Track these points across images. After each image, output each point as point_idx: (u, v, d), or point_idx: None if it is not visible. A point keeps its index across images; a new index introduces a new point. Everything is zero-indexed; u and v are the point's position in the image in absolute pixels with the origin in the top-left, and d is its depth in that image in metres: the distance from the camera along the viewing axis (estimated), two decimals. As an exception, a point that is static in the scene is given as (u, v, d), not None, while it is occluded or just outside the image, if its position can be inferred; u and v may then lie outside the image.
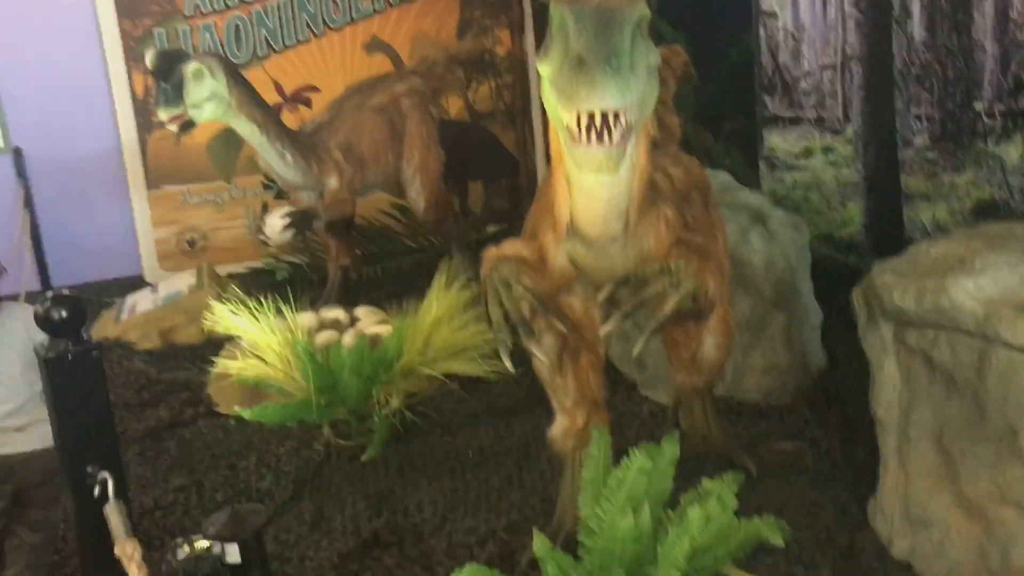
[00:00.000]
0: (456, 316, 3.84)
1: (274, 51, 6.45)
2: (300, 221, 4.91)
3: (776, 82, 4.78)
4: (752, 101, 4.94)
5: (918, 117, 3.92)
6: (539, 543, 2.28)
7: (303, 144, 4.91)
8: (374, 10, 6.71)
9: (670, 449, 2.38)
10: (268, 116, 4.77)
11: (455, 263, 4.61)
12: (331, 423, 3.85)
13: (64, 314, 1.78)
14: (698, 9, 5.18)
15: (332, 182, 5.04)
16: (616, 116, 1.97)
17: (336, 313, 4.58)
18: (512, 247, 2.62)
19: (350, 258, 5.52)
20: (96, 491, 1.76)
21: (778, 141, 4.85)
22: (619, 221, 2.43)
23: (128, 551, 1.74)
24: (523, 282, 2.48)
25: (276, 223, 4.88)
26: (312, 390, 3.63)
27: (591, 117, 1.97)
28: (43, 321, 1.79)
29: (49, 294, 1.84)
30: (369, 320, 4.16)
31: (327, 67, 6.67)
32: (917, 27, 3.83)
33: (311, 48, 6.54)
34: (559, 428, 2.98)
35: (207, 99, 4.47)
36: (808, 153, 4.66)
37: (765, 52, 4.81)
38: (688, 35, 4.84)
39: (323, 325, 4.13)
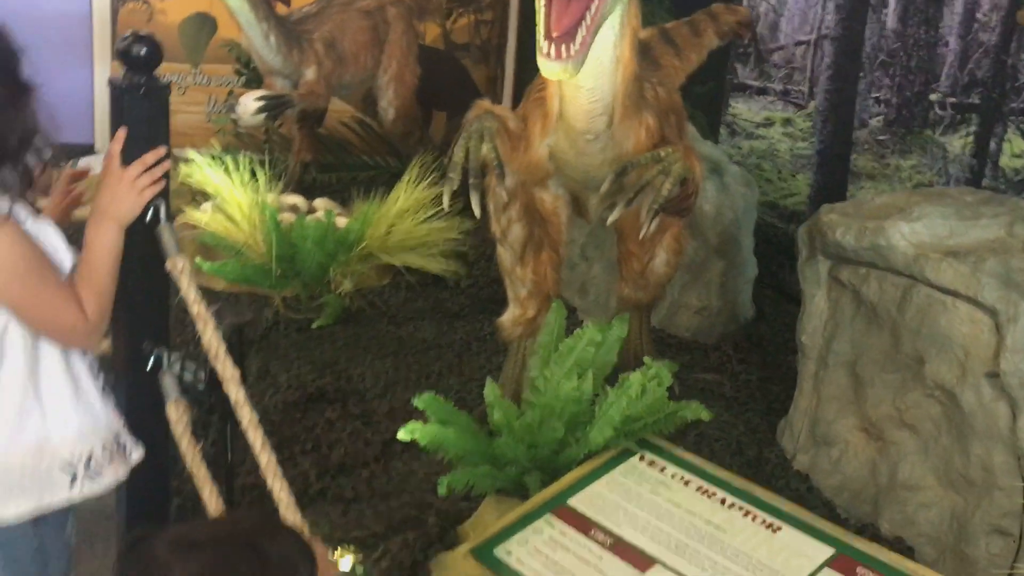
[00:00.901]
0: (421, 211, 3.99)
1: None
2: (274, 105, 4.97)
3: (750, 52, 5.01)
4: (724, 67, 5.17)
5: (877, 100, 4.20)
6: (489, 390, 2.48)
7: (288, 30, 4.97)
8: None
9: (619, 328, 2.59)
10: (258, -10, 4.81)
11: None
12: (282, 297, 3.97)
13: (143, 51, 1.89)
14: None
15: (310, 73, 5.10)
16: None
17: (296, 199, 4.69)
18: (502, 110, 2.78)
19: (312, 154, 5.60)
20: (148, 216, 1.90)
21: (742, 108, 5.09)
22: (604, 116, 2.60)
23: (179, 265, 1.89)
24: (496, 143, 2.62)
25: (250, 104, 4.92)
26: (272, 256, 3.76)
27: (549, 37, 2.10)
28: (122, 55, 1.89)
29: (129, 32, 1.94)
30: (327, 209, 4.29)
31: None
32: (891, 15, 4.09)
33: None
34: (509, 316, 3.16)
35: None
36: (768, 123, 4.91)
37: (745, 22, 5.03)
38: (675, 7, 5.04)
39: (282, 209, 4.25)
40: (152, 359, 2.02)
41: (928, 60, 3.92)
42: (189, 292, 1.89)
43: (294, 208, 4.56)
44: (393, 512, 2.59)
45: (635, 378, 2.43)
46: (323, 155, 6.04)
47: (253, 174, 3.88)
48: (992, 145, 3.69)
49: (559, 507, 2.24)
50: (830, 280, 2.90)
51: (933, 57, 3.90)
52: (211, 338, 1.87)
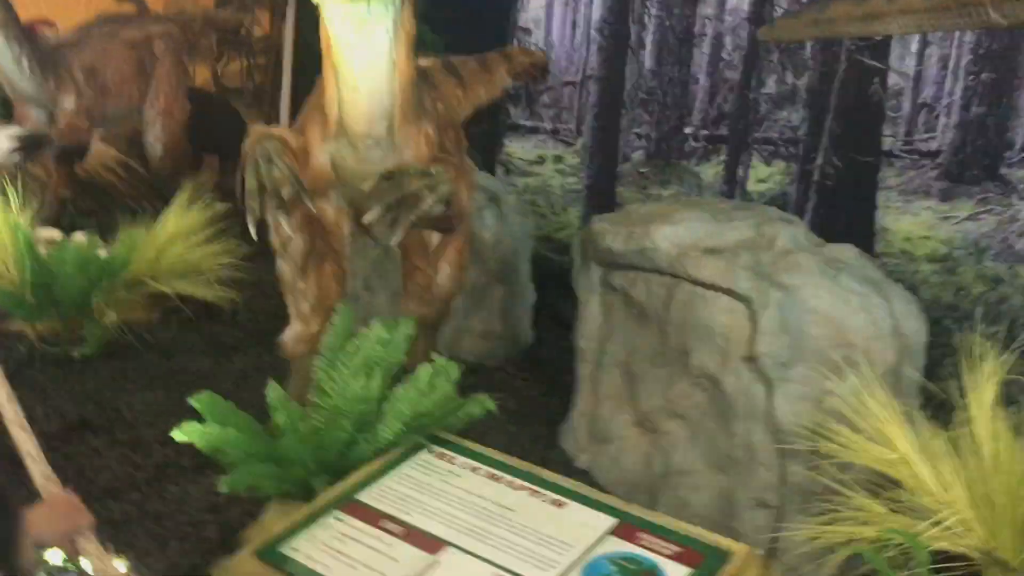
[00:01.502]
0: (192, 236, 3.84)
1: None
2: (29, 145, 4.65)
3: (522, 93, 5.24)
4: (497, 108, 5.38)
5: (638, 135, 4.50)
6: (272, 392, 2.40)
7: (43, 55, 4.69)
8: (131, -35, 6.48)
9: (406, 326, 2.59)
10: (9, 15, 4.52)
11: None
12: (37, 329, 3.68)
13: None
14: (459, 19, 5.58)
15: (68, 102, 4.83)
16: None
17: (52, 233, 4.40)
18: (279, 130, 2.76)
19: (70, 191, 5.26)
20: None
21: (516, 148, 5.30)
22: (383, 121, 2.64)
23: None
24: (285, 161, 2.62)
25: (2, 143, 4.59)
26: (27, 282, 3.48)
27: None
28: None
29: None
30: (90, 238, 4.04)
31: (67, 5, 6.33)
32: (648, 56, 4.43)
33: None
34: (292, 333, 3.09)
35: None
36: (541, 160, 5.14)
37: (516, 66, 5.27)
38: (448, 42, 5.21)
39: (37, 242, 3.96)
40: None
41: (682, 96, 4.27)
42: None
43: (50, 242, 4.25)
44: (168, 531, 2.44)
45: (423, 372, 2.44)
46: (83, 199, 5.69)
47: (3, 194, 3.59)
48: (740, 172, 4.06)
49: (347, 503, 2.19)
50: (603, 286, 3.06)
51: (686, 93, 4.25)
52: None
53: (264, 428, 2.36)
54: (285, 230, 2.63)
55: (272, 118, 7.17)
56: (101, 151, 5.66)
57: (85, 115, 4.90)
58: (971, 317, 3.25)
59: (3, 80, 4.87)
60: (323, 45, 2.59)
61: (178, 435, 2.20)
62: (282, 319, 3.14)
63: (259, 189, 2.60)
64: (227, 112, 7.08)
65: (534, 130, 5.18)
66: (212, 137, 6.89)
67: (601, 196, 4.71)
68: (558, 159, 5.03)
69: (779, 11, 3.86)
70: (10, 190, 3.62)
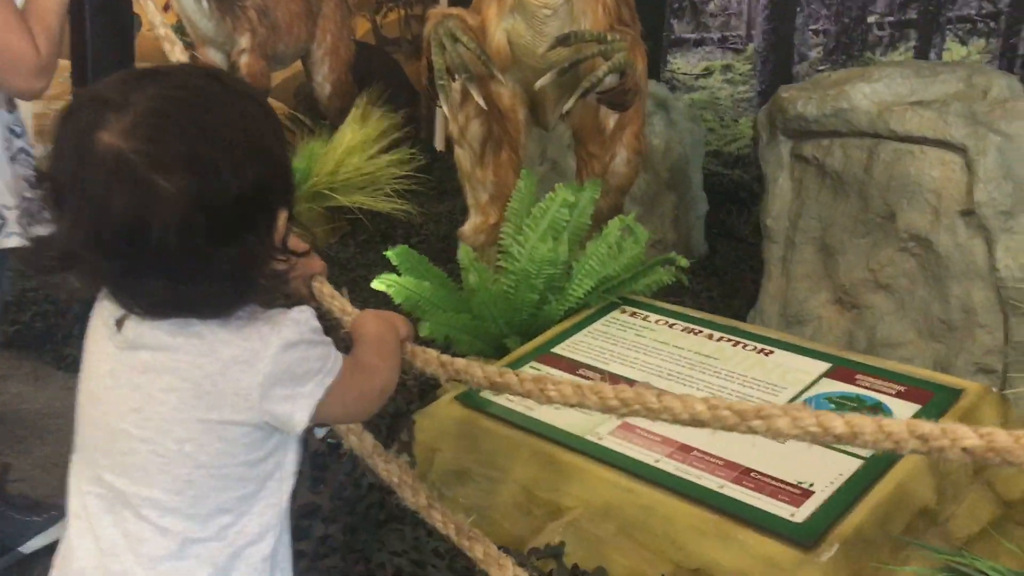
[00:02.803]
0: (369, 147, 3.89)
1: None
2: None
3: (685, 5, 5.07)
4: (660, 25, 5.23)
5: (815, 32, 4.26)
6: (463, 252, 2.38)
7: (221, -5, 4.85)
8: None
9: (592, 189, 2.53)
10: (192, -45, 4.71)
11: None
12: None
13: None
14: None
15: (244, 40, 4.99)
16: None
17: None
18: (458, 10, 2.73)
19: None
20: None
21: (681, 63, 5.14)
22: None
23: None
24: (467, 38, 2.59)
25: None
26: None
27: None
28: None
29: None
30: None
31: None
32: (824, -54, 4.18)
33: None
34: (471, 225, 3.07)
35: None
36: (708, 73, 4.96)
37: (678, -23, 5.11)
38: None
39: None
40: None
41: (863, -15, 4.01)
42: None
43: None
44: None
45: (613, 228, 2.36)
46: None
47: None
48: (932, 56, 3.78)
49: (543, 355, 2.14)
50: (792, 159, 2.89)
51: (867, -18, 3.99)
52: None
53: (458, 287, 2.34)
54: (479, 102, 2.60)
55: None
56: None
57: (260, 52, 5.05)
58: None
59: (186, 22, 5.09)
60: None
61: (376, 284, 2.21)
62: (461, 223, 3.14)
63: (446, 69, 2.59)
64: (387, 63, 7.21)
65: (700, 42, 5.00)
66: (374, 89, 7.06)
67: (775, 101, 4.49)
68: (727, 68, 4.84)
69: None
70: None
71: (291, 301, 1.22)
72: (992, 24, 3.52)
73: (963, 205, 2.39)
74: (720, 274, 4.11)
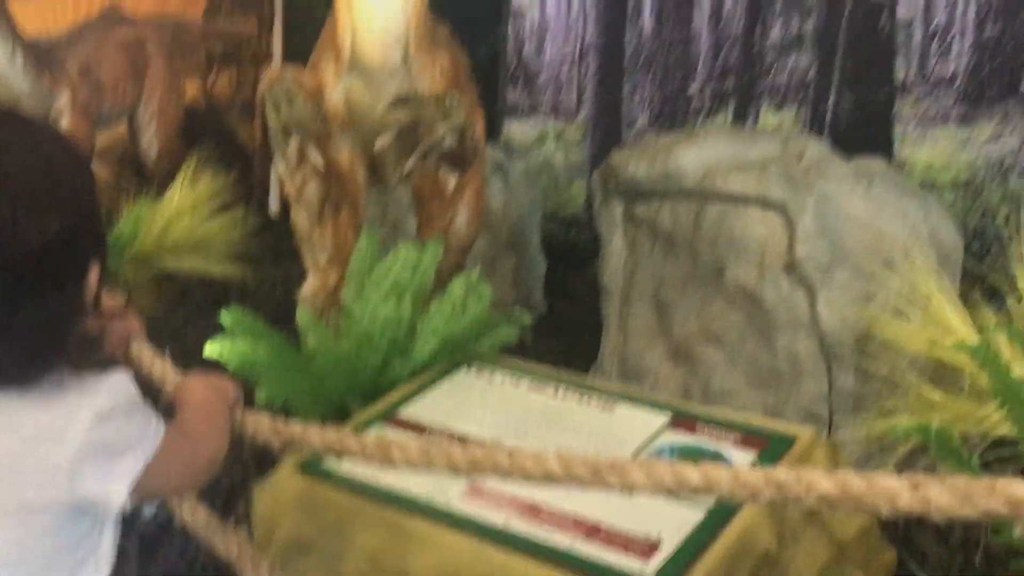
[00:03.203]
0: (199, 209, 3.76)
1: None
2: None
3: (519, 75, 5.21)
4: (496, 93, 5.34)
5: (641, 100, 4.46)
6: (302, 314, 2.31)
7: (37, 51, 4.63)
8: (117, -20, 6.44)
9: (435, 248, 2.51)
10: (1, 11, 4.47)
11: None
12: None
13: None
14: (456, 7, 5.56)
15: (64, 99, 4.76)
16: None
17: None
18: (293, 70, 2.69)
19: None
20: None
21: (516, 130, 5.25)
22: (398, 49, 2.57)
23: None
24: (302, 97, 2.56)
25: None
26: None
27: None
28: None
29: None
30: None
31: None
32: (647, 21, 4.40)
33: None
34: (310, 287, 2.99)
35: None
36: (542, 138, 5.10)
37: (511, 48, 5.25)
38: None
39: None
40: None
41: (684, 56, 4.24)
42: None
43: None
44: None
45: (457, 287, 2.35)
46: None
47: None
48: (749, 122, 4.01)
49: (389, 418, 2.09)
50: (626, 220, 2.99)
51: (688, 53, 4.22)
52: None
53: (296, 349, 2.26)
54: (317, 162, 2.55)
55: (263, 128, 7.10)
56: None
57: (83, 111, 4.82)
58: (998, 241, 3.20)
59: (-5, 78, 4.80)
60: (336, -27, 2.54)
61: (208, 350, 2.10)
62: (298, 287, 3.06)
63: (282, 129, 2.54)
64: (220, 126, 7.03)
65: (533, 110, 5.14)
66: (204, 152, 6.86)
67: (607, 166, 4.66)
68: (559, 135, 4.99)
69: (780, -41, 3.85)
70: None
71: (105, 365, 1.12)
72: (802, 94, 3.79)
73: (786, 260, 2.52)
74: (560, 332, 4.17)
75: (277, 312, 3.88)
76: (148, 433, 1.03)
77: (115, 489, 0.98)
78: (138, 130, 5.23)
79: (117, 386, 0.99)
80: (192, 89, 6.84)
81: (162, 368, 1.31)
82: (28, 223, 0.89)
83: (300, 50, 6.50)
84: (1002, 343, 2.12)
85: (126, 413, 1.00)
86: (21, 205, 0.89)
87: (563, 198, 4.97)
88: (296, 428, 1.29)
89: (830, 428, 2.49)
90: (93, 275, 0.98)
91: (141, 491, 1.01)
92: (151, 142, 5.23)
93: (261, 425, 1.27)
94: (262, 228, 4.05)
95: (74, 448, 0.95)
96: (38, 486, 0.94)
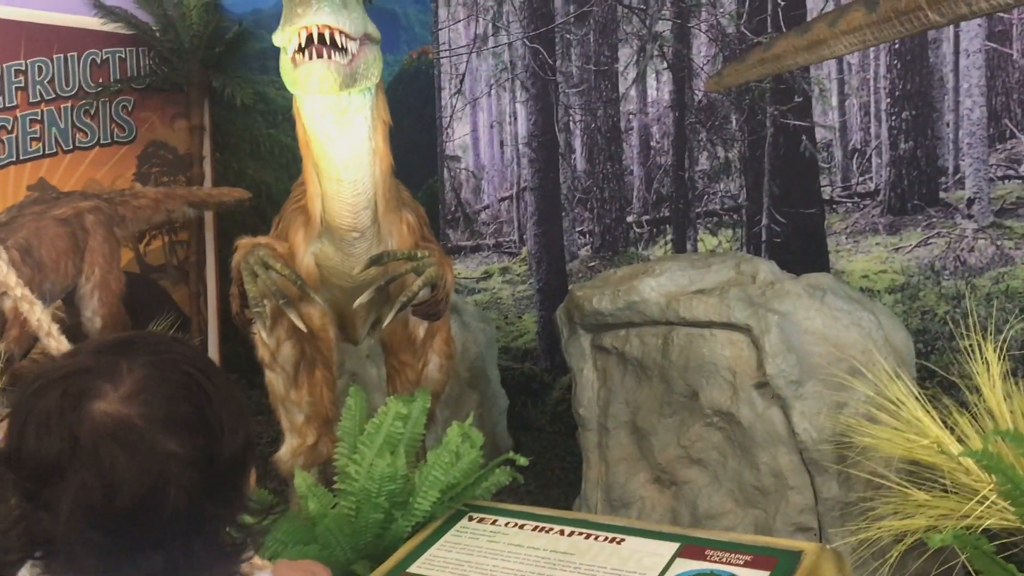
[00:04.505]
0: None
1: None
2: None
3: (459, 216, 5.39)
4: (436, 235, 5.49)
5: (581, 233, 4.65)
6: (300, 479, 2.31)
7: (-26, 236, 4.62)
8: (44, 153, 6.51)
9: (423, 399, 2.56)
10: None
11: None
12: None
13: None
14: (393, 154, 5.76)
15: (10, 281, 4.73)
16: (335, 35, 2.14)
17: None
18: (265, 238, 2.77)
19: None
20: None
21: (461, 268, 5.39)
22: (368, 211, 2.67)
23: None
24: (280, 264, 2.63)
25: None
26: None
27: (310, 35, 2.13)
28: None
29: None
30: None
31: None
32: (579, 159, 4.64)
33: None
34: (288, 448, 3.00)
35: None
36: (487, 275, 5.23)
37: (449, 191, 5.44)
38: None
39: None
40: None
41: (618, 189, 4.46)
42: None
43: None
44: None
45: (453, 436, 2.39)
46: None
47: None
48: (688, 247, 4.22)
49: (398, 577, 2.09)
50: (594, 350, 3.09)
51: (622, 186, 4.45)
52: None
53: (296, 517, 2.26)
54: (297, 324, 2.61)
55: (200, 291, 7.13)
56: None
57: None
58: (941, 338, 3.39)
59: (-66, 266, 4.75)
60: (302, 145, 2.65)
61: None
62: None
63: (261, 296, 2.60)
64: (153, 290, 7.03)
65: (476, 248, 5.29)
66: (140, 318, 6.81)
67: (555, 296, 4.79)
68: (505, 271, 5.13)
69: (698, 94, 4.14)
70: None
71: None
72: (735, 216, 4.01)
73: (756, 379, 2.64)
74: (531, 466, 4.19)
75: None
76: None
77: None
78: (80, 303, 5.20)
79: None
80: (126, 255, 6.86)
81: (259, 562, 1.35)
82: (229, 433, 1.04)
83: (231, 210, 6.59)
84: (974, 437, 2.25)
85: None
86: (224, 417, 1.03)
87: (514, 331, 5.07)
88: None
89: (821, 539, 2.56)
90: (253, 476, 1.08)
91: None
92: (94, 314, 5.19)
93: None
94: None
95: None
96: None
